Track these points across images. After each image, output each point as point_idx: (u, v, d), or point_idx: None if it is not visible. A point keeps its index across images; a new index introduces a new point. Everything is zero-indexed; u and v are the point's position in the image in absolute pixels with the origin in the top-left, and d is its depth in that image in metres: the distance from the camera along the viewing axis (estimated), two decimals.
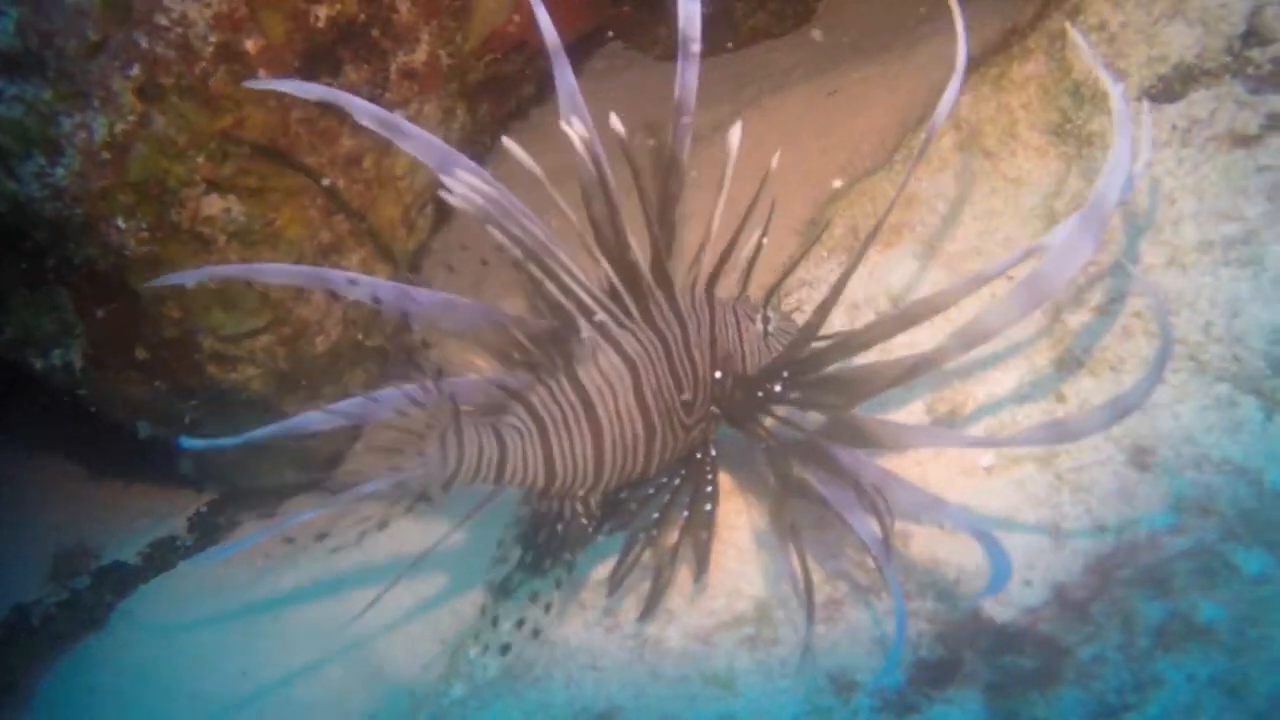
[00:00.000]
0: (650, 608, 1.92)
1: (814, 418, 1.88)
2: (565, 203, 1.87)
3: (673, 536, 1.95)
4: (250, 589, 3.20)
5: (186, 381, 2.79)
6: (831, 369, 1.87)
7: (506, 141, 1.86)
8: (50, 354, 2.79)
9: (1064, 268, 1.54)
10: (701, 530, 1.94)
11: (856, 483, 1.69)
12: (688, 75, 2.03)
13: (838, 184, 3.47)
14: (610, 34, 4.91)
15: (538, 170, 1.80)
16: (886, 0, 4.87)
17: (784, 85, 4.38)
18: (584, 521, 1.90)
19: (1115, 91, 1.55)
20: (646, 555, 1.95)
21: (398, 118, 2.08)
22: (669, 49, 5.06)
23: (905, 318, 1.75)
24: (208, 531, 3.40)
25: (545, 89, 4.13)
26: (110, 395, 2.90)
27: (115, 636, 3.21)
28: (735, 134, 1.97)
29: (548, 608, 1.87)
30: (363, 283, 1.89)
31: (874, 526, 1.65)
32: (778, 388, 1.91)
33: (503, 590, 1.90)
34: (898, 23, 4.58)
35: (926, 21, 4.38)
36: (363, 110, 2.05)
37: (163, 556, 3.34)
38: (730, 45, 4.93)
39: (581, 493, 1.91)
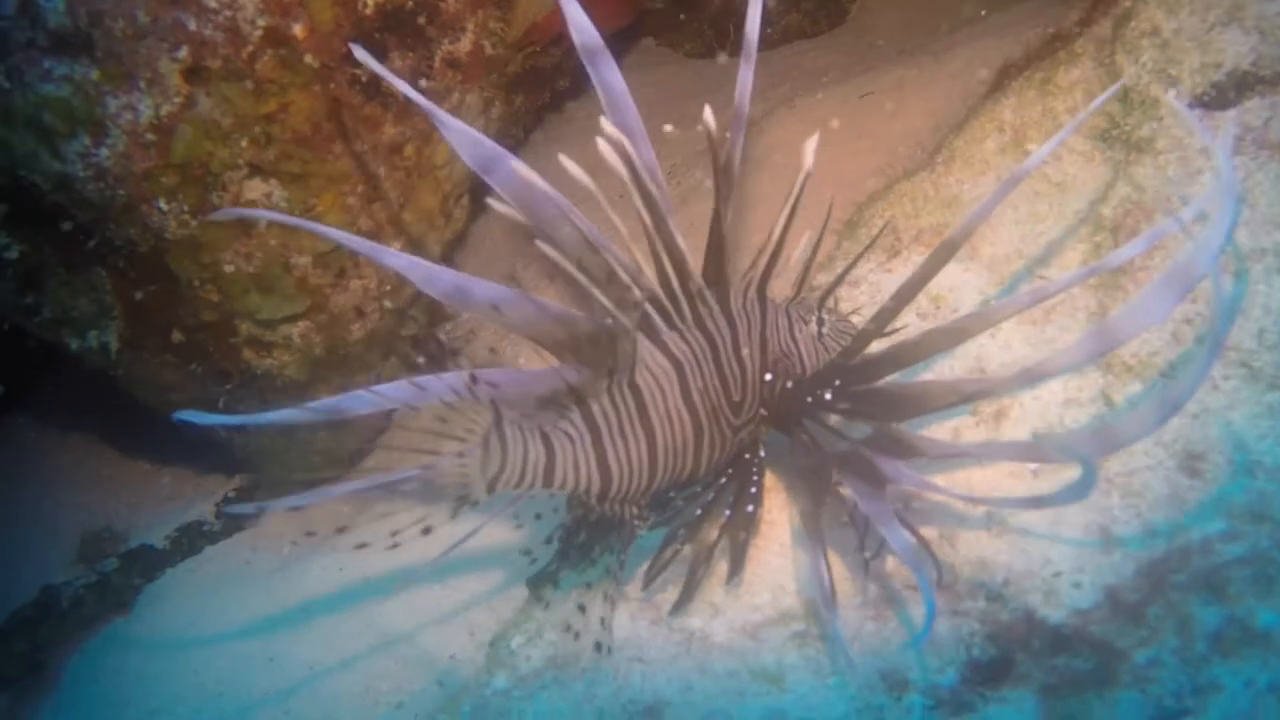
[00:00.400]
0: (683, 602, 1.92)
1: (860, 428, 1.87)
2: (615, 214, 1.85)
3: (713, 534, 1.94)
4: (277, 575, 3.21)
5: (222, 365, 2.80)
6: (884, 382, 1.86)
7: (564, 159, 1.81)
8: (87, 335, 2.79)
9: (1136, 324, 1.54)
10: (741, 530, 1.93)
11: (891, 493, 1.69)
12: (745, 78, 2.01)
13: (872, 184, 3.47)
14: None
15: (591, 184, 1.76)
16: (920, 3, 4.86)
17: (817, 86, 4.37)
18: (636, 524, 1.89)
19: (1224, 157, 1.53)
20: (686, 550, 1.94)
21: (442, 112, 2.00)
22: (699, 46, 5.05)
23: (960, 332, 1.75)
24: (235, 517, 3.41)
25: (580, 82, 4.13)
26: (145, 378, 2.90)
27: (142, 619, 3.22)
28: (811, 145, 1.94)
29: (605, 595, 1.85)
30: (416, 266, 1.85)
31: (908, 536, 1.64)
32: (828, 395, 1.90)
33: (549, 582, 1.88)
34: (932, 26, 4.57)
35: (961, 26, 4.37)
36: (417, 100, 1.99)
37: (190, 541, 3.34)
38: (764, 44, 4.93)
39: (635, 496, 1.89)
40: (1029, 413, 2.13)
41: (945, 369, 2.29)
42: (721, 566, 1.94)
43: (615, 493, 1.87)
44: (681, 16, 4.94)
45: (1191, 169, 2.29)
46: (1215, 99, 2.31)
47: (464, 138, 1.91)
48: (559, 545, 1.94)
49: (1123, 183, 2.41)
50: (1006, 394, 1.68)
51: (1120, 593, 1.67)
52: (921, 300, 2.56)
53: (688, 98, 4.85)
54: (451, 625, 2.78)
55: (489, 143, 1.92)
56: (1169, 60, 2.39)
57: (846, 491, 1.79)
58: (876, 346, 1.91)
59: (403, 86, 1.89)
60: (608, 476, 1.84)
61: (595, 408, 1.84)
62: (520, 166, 1.78)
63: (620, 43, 4.41)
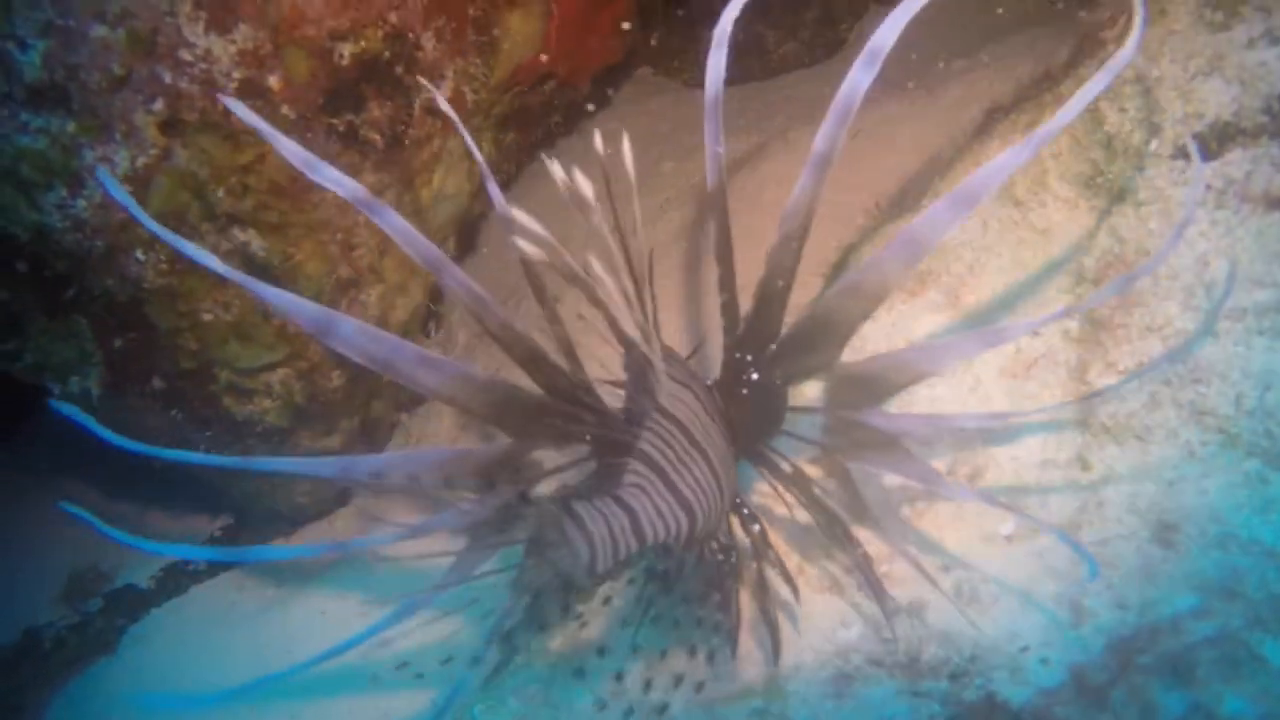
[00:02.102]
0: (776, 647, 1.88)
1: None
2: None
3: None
4: (260, 618, 3.20)
5: (202, 412, 2.80)
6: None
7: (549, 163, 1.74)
8: (68, 381, 2.80)
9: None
10: (767, 552, 1.90)
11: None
12: (712, 151, 1.93)
13: (863, 222, 3.45)
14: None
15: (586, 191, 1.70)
16: (915, 35, 4.83)
17: (812, 117, 4.34)
18: (720, 557, 1.82)
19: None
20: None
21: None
22: (697, 75, 5.05)
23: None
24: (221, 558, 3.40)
25: (573, 119, 4.13)
26: (127, 423, 2.89)
27: (126, 661, 3.21)
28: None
29: (693, 650, 1.76)
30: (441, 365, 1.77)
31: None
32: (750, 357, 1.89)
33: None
34: (927, 58, 4.54)
35: (956, 58, 4.34)
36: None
37: (176, 581, 3.34)
38: (760, 74, 4.91)
39: (714, 523, 1.82)
40: (1005, 473, 2.10)
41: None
42: None
43: (701, 524, 1.79)
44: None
45: (1174, 221, 2.25)
46: (1198, 150, 2.26)
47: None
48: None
49: (1104, 233, 2.37)
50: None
51: (1087, 672, 1.63)
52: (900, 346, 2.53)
53: (686, 129, 4.84)
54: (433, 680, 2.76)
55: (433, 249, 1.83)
56: (1151, 109, 2.35)
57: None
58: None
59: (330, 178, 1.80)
60: (689, 508, 1.76)
61: (648, 448, 1.77)
62: (520, 215, 1.73)
63: (614, 75, 4.40)
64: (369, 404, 3.02)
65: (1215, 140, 2.24)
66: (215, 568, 3.35)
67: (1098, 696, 1.58)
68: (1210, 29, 2.28)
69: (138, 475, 3.34)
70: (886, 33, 1.82)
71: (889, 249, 1.73)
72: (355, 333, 1.66)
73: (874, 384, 1.84)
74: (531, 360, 1.82)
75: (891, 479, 2.08)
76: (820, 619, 1.90)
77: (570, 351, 1.89)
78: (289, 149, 1.73)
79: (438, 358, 1.79)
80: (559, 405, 1.82)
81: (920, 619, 1.85)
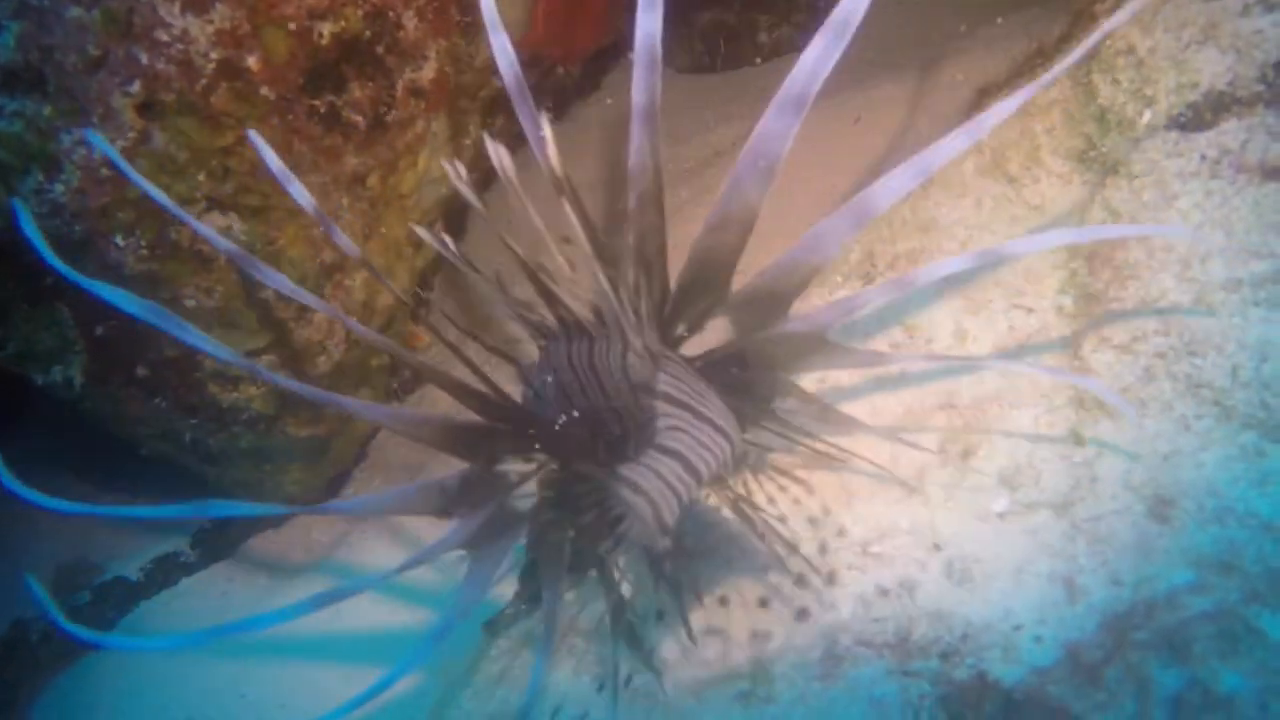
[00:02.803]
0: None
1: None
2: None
3: None
4: (252, 609, 3.16)
5: (187, 400, 2.76)
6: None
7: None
8: (51, 370, 2.76)
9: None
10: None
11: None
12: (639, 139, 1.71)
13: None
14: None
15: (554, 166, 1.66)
16: (912, 14, 4.79)
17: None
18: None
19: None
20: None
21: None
22: (690, 61, 5.00)
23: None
24: (212, 548, 3.37)
25: (564, 102, 4.09)
26: (111, 412, 2.87)
27: (115, 654, 3.18)
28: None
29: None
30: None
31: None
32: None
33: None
34: (923, 37, 4.50)
35: (952, 39, 4.29)
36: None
37: (166, 573, 3.31)
38: (757, 60, 4.87)
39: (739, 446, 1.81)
40: (997, 450, 2.06)
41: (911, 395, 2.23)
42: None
43: (736, 444, 1.78)
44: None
45: (1168, 193, 2.21)
46: (1191, 120, 2.22)
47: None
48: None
49: (1098, 207, 2.33)
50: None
51: (1081, 650, 1.60)
52: (895, 330, 2.49)
53: (678, 113, 4.80)
54: (423, 672, 2.73)
55: None
56: (1144, 80, 2.31)
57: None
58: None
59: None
60: (724, 432, 1.76)
61: (667, 387, 1.76)
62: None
63: (605, 60, 4.35)
64: (356, 391, 2.99)
65: (1210, 110, 2.20)
66: (206, 558, 3.32)
67: (1092, 674, 1.55)
68: None
69: (127, 466, 3.31)
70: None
71: (831, 220, 1.63)
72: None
73: (771, 298, 1.75)
74: (461, 391, 1.77)
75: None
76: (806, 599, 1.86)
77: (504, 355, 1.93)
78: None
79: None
80: (495, 426, 1.78)
81: (910, 598, 1.81)
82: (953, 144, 1.57)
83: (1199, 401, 1.88)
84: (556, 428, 1.80)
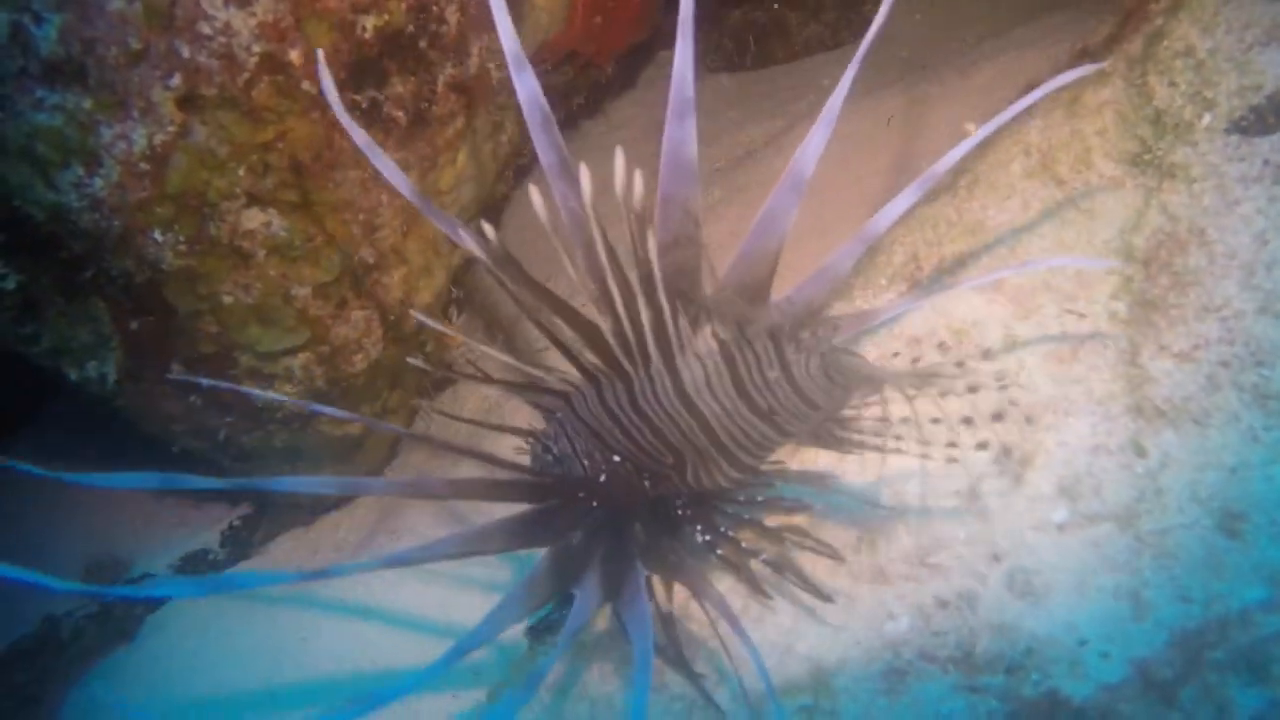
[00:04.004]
0: None
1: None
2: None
3: None
4: (281, 604, 3.15)
5: (221, 397, 2.73)
6: None
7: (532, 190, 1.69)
8: (85, 365, 2.74)
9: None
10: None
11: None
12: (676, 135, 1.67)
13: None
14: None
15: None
16: (944, 14, 4.74)
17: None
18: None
19: None
20: None
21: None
22: (720, 59, 4.96)
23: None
24: (240, 545, 3.35)
25: (596, 99, 4.05)
26: (145, 408, 2.84)
27: (144, 650, 3.17)
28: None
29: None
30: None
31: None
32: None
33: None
34: (957, 37, 4.45)
35: (987, 38, 4.24)
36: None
37: (195, 569, 3.29)
38: (783, 57, 4.82)
39: None
40: (1054, 460, 2.02)
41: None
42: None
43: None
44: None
45: (1229, 198, 2.16)
46: (1254, 124, 2.18)
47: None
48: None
49: (1155, 211, 2.28)
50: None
51: (1151, 668, 1.55)
52: (943, 332, 2.45)
53: (708, 112, 4.76)
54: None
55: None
56: (1204, 82, 2.27)
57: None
58: None
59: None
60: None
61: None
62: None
63: (636, 58, 4.31)
64: (391, 392, 2.96)
65: (1274, 114, 2.16)
66: (234, 555, 3.30)
67: (1165, 693, 1.51)
68: None
69: (156, 464, 3.29)
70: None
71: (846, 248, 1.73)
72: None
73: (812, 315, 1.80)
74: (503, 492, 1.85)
75: None
76: (865, 611, 1.82)
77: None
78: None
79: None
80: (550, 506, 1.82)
81: (971, 610, 1.77)
82: (898, 206, 1.74)
83: (1267, 413, 1.84)
84: (603, 479, 1.83)
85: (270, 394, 1.76)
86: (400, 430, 1.86)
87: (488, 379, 1.92)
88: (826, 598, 1.82)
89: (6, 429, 3.90)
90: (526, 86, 1.61)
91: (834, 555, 1.83)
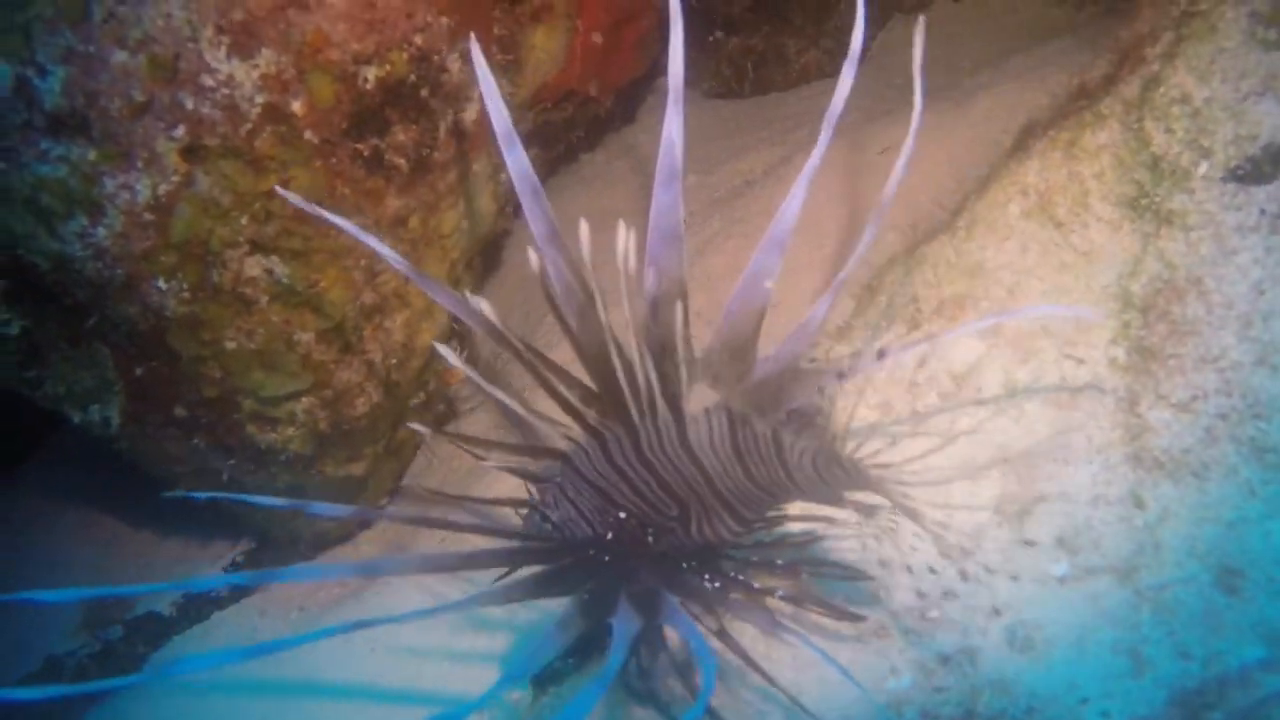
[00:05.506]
0: None
1: None
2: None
3: None
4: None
5: (225, 440, 2.75)
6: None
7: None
8: (89, 409, 2.75)
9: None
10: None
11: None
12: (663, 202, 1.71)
13: (893, 239, 3.37)
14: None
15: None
16: (939, 42, 4.76)
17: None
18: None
19: None
20: None
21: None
22: (718, 85, 4.97)
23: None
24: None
25: (595, 134, 4.07)
26: (148, 451, 2.85)
27: (148, 689, 3.17)
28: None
29: None
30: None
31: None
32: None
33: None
34: (953, 66, 4.47)
35: (983, 67, 4.27)
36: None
37: (197, 607, 3.29)
38: (781, 84, 4.84)
39: None
40: (1054, 511, 2.03)
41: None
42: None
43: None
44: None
45: (1226, 247, 2.18)
46: (1251, 173, 2.20)
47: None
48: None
49: (1152, 258, 2.30)
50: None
51: None
52: (943, 379, 2.47)
53: (706, 140, 4.78)
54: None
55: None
56: (1200, 130, 2.29)
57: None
58: None
59: None
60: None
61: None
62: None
63: (637, 89, 4.33)
64: (394, 432, 2.97)
65: (1270, 163, 2.18)
66: (236, 593, 3.31)
67: None
68: (1263, 47, 2.22)
69: (156, 500, 3.30)
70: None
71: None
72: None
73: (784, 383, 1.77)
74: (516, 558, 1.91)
75: None
76: (867, 667, 1.84)
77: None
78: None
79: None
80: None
81: (972, 665, 1.78)
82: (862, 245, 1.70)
83: (1264, 466, 1.85)
84: (610, 537, 1.86)
85: (261, 498, 1.79)
86: (402, 515, 1.89)
87: (481, 456, 1.94)
88: (856, 617, 1.85)
89: (15, 458, 3.92)
90: (517, 162, 1.70)
91: (840, 615, 1.84)
